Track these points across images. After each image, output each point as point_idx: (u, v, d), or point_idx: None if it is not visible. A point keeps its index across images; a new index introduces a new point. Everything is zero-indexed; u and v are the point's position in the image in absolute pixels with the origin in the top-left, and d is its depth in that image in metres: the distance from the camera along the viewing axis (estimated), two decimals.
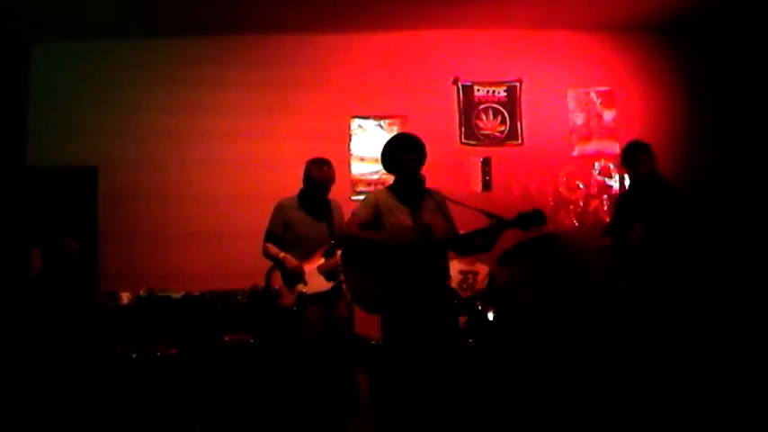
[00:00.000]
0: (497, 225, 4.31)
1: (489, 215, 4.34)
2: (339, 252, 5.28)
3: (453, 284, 6.09)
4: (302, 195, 5.46)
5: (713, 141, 7.28)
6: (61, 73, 7.42)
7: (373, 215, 4.55)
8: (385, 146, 4.65)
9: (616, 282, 5.61)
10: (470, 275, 6.22)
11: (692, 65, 7.49)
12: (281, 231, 5.41)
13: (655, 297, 5.12)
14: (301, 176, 5.42)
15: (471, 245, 4.61)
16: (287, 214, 5.41)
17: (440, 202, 4.54)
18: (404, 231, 4.41)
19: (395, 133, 6.96)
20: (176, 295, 6.52)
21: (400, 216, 4.48)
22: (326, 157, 5.43)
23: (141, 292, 6.59)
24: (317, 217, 5.41)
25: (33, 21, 6.93)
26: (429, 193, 4.52)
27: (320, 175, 5.33)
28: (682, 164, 6.76)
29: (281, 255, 5.33)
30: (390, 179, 4.72)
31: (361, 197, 6.84)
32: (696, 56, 7.50)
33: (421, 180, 4.50)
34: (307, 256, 5.34)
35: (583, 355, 6.26)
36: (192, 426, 5.51)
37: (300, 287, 5.27)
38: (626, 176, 6.82)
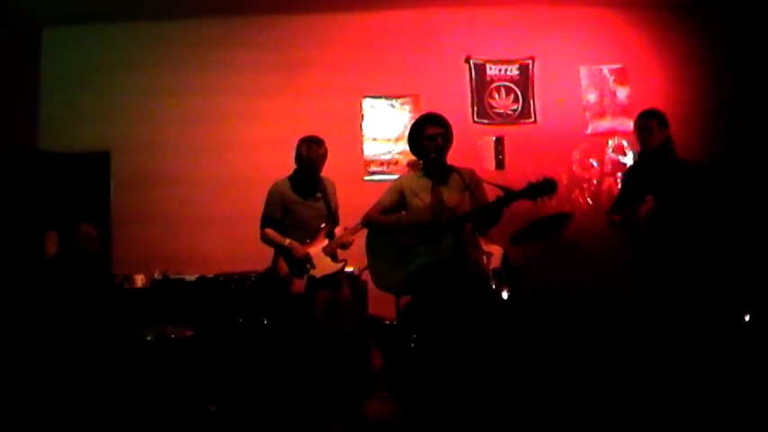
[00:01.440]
0: (505, 197, 4.25)
1: (500, 187, 4.29)
2: (338, 233, 5.34)
3: None
4: (294, 176, 5.38)
5: (730, 119, 7.17)
6: (72, 57, 7.44)
7: (398, 200, 4.59)
8: (411, 126, 4.68)
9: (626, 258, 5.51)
10: (485, 256, 6.20)
11: (708, 41, 7.39)
12: (279, 215, 5.31)
13: (665, 277, 5.00)
14: None
15: (482, 219, 4.60)
16: (285, 197, 5.32)
17: (468, 180, 4.49)
18: (419, 212, 4.40)
19: (407, 112, 7.03)
20: (190, 278, 6.53)
21: (423, 195, 4.47)
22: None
23: (156, 275, 6.61)
24: (312, 197, 5.34)
25: (44, 4, 6.92)
26: (455, 170, 4.49)
27: (308, 153, 5.22)
28: (698, 142, 6.69)
29: (287, 242, 5.24)
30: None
31: (375, 177, 6.92)
32: (712, 32, 7.39)
33: (445, 156, 4.49)
34: (309, 238, 5.30)
35: (597, 335, 6.26)
36: (207, 407, 5.54)
37: (310, 271, 5.25)
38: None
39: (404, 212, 4.61)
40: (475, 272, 4.57)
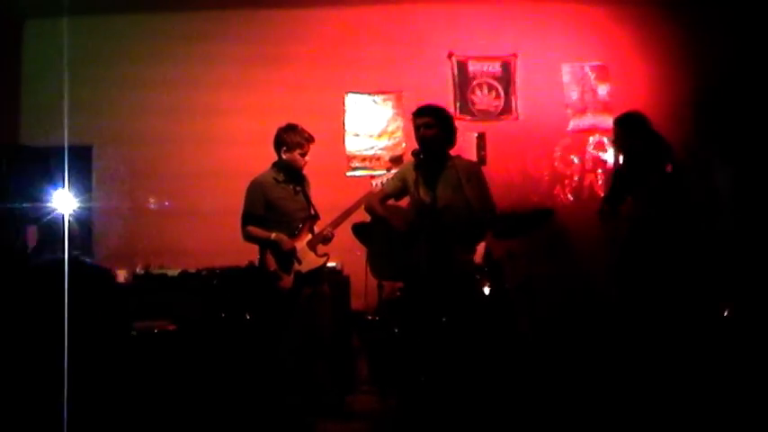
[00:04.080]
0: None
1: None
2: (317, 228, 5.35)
3: None
4: (278, 168, 5.40)
5: (714, 114, 7.16)
6: (54, 49, 7.37)
7: (400, 187, 4.67)
8: None
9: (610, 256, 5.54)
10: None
11: (691, 36, 7.37)
12: (262, 211, 5.29)
13: (645, 276, 5.02)
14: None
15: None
16: (267, 193, 5.30)
17: (464, 174, 4.52)
18: (408, 211, 4.44)
19: (390, 108, 7.07)
20: (173, 273, 6.52)
21: (420, 190, 4.49)
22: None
23: (138, 270, 6.59)
24: (296, 190, 5.37)
25: None
26: (452, 164, 4.52)
27: (298, 139, 5.30)
28: (682, 137, 6.69)
29: (274, 235, 5.22)
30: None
31: (357, 173, 6.93)
32: (695, 27, 7.37)
33: (434, 147, 4.52)
34: (293, 233, 5.30)
35: (579, 330, 6.31)
36: (192, 402, 5.54)
37: (296, 266, 5.26)
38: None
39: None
40: (461, 272, 4.59)
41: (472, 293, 4.92)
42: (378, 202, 4.68)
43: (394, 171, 5.30)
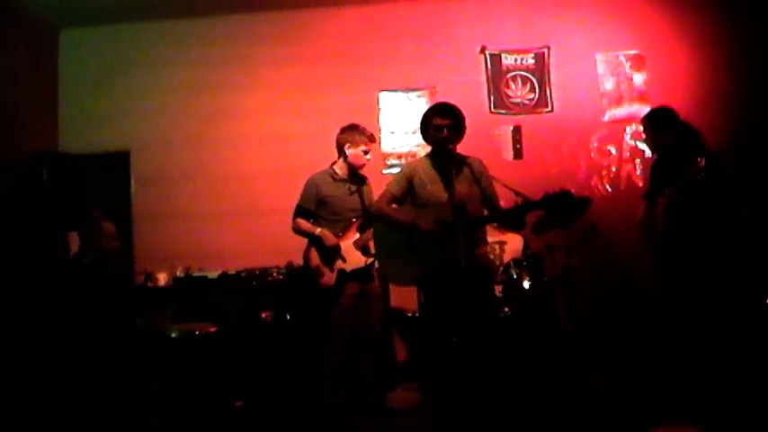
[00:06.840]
0: (522, 207, 4.28)
1: (517, 193, 4.30)
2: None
3: None
4: (338, 166, 5.46)
5: (756, 99, 6.97)
6: (89, 58, 7.50)
7: (406, 187, 4.59)
8: (422, 116, 4.66)
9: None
10: (497, 245, 6.19)
11: (731, 19, 7.18)
12: (313, 207, 5.37)
13: (684, 269, 4.94)
14: (332, 151, 5.48)
15: (504, 221, 4.68)
16: (321, 190, 5.37)
17: (477, 171, 4.50)
18: (436, 210, 4.40)
19: (424, 105, 7.03)
20: (213, 275, 6.58)
21: (433, 187, 4.48)
22: None
23: (178, 273, 6.65)
24: (351, 190, 5.41)
25: (60, 6, 6.97)
26: (465, 161, 4.50)
27: (365, 142, 5.37)
28: (722, 123, 6.59)
29: (318, 231, 5.29)
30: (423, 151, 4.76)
31: (393, 170, 6.88)
32: (735, 9, 7.17)
33: (452, 148, 4.49)
34: (341, 231, 5.34)
35: (620, 321, 6.26)
36: (234, 402, 5.58)
37: (339, 264, 5.28)
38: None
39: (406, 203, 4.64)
40: (481, 265, 4.56)
41: (491, 286, 4.95)
42: (389, 207, 4.63)
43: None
